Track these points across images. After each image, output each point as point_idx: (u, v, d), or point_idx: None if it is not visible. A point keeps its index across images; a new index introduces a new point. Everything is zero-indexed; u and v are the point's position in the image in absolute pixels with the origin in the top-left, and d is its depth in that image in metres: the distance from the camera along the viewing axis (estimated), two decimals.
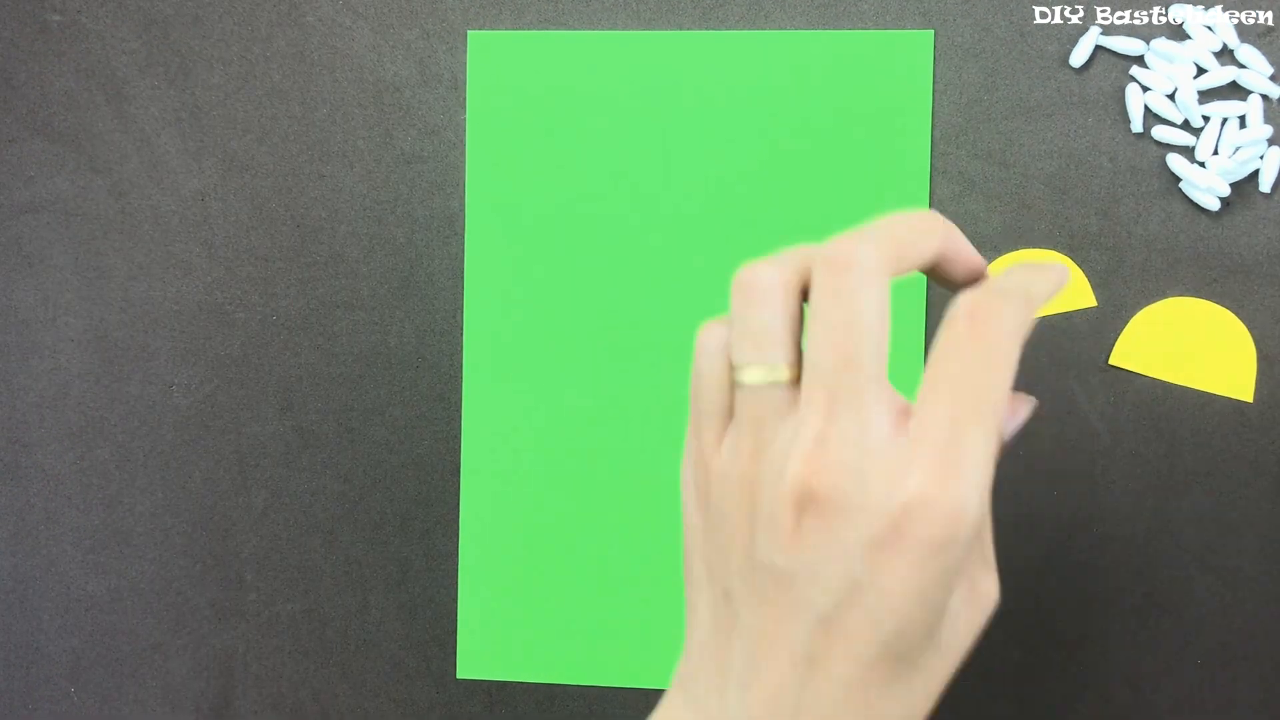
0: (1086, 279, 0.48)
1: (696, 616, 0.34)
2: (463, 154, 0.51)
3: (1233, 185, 0.48)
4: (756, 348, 0.32)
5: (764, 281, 0.32)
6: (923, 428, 0.30)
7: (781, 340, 0.32)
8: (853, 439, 0.30)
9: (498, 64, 0.50)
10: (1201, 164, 0.47)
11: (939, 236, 0.33)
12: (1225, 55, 0.48)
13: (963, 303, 0.31)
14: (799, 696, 0.31)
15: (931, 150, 0.49)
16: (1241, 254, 0.48)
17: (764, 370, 0.32)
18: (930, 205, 0.48)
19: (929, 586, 0.30)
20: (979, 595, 0.33)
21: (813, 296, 0.32)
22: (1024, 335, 0.31)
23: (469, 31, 0.50)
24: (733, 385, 0.33)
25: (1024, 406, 0.35)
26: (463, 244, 0.51)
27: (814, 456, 0.30)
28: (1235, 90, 0.47)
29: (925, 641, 0.31)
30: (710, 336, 0.34)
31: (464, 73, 0.51)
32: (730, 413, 0.33)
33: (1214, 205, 0.47)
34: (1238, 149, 0.47)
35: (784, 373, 0.32)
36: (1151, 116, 0.48)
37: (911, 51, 0.48)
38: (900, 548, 0.30)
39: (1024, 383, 0.48)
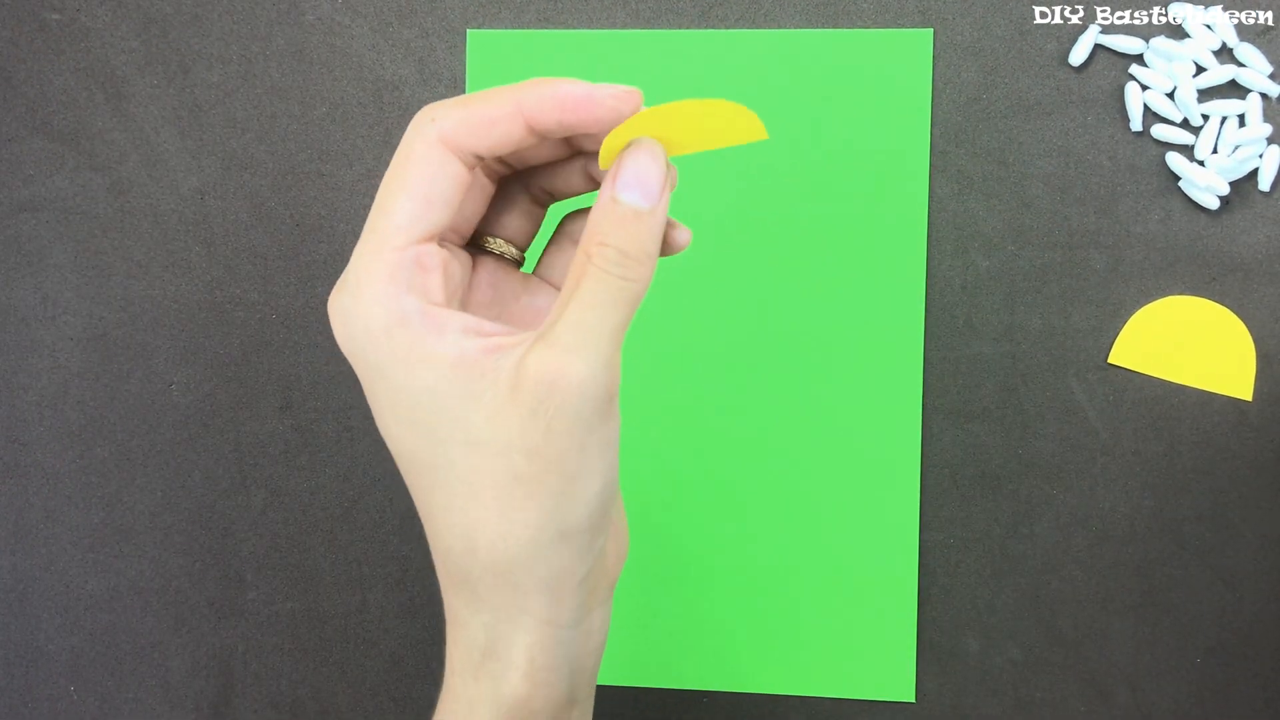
0: (757, 118, 0.33)
1: None
2: None
3: (1232, 184, 0.48)
4: None
5: None
6: None
7: None
8: None
9: (497, 63, 0.50)
10: (1201, 162, 0.47)
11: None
12: (1224, 54, 0.48)
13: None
14: None
15: (931, 149, 0.49)
16: (1241, 252, 0.48)
17: None
18: (930, 204, 0.48)
19: None
20: None
21: None
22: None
23: (468, 30, 0.51)
24: None
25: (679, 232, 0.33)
26: None
27: None
28: (1234, 89, 0.47)
29: None
30: None
31: (464, 71, 0.51)
32: None
33: (1213, 204, 0.47)
34: (1237, 147, 0.47)
35: None
36: (1151, 115, 0.48)
37: (911, 50, 0.48)
38: None
39: (1023, 380, 0.48)
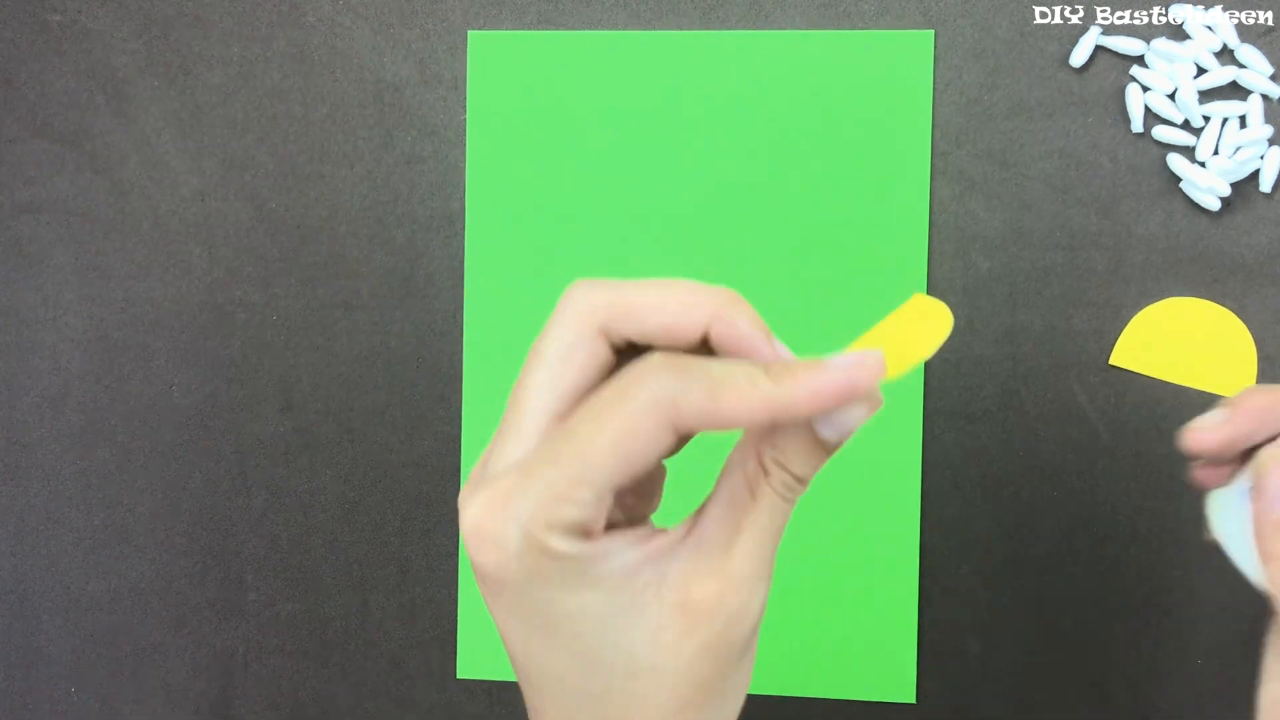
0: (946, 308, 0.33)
1: None
2: (463, 154, 0.51)
3: (1233, 185, 0.48)
4: None
5: None
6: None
7: None
8: None
9: (498, 64, 0.50)
10: (1202, 164, 0.47)
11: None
12: (1225, 55, 0.48)
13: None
14: None
15: (931, 150, 0.49)
16: (1242, 254, 0.48)
17: None
18: (930, 205, 0.48)
19: None
20: None
21: None
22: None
23: (469, 31, 0.50)
24: None
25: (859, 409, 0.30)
26: (463, 244, 0.51)
27: None
28: (1235, 90, 0.47)
29: None
30: None
31: (464, 73, 0.51)
32: None
33: (1214, 205, 0.47)
34: (1238, 149, 0.47)
35: None
36: (1152, 116, 0.48)
37: (912, 51, 0.48)
38: None
39: (1025, 382, 0.48)
